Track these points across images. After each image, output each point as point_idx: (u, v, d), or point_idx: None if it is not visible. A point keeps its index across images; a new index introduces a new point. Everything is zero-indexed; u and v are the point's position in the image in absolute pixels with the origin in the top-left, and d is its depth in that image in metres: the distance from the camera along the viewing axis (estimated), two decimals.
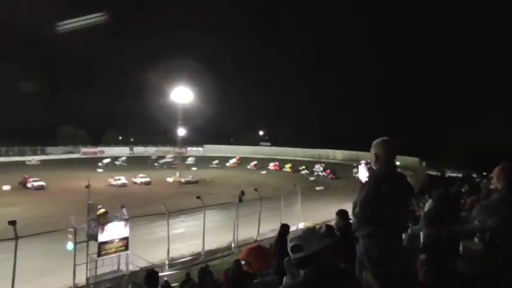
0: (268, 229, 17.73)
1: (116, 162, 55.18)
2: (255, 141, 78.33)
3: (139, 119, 78.11)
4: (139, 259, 14.37)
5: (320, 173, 49.55)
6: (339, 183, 40.73)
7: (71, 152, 62.75)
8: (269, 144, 77.17)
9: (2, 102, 63.29)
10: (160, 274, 7.08)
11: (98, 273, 13.04)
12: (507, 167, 3.12)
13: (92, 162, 53.85)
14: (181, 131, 54.44)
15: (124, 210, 14.46)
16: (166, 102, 53.01)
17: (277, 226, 6.68)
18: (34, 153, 59.21)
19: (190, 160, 57.21)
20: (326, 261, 2.23)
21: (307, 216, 21.61)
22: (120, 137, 77.30)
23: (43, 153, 60.42)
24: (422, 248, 2.39)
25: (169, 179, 43.15)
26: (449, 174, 41.81)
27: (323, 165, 53.07)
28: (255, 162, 57.16)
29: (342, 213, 5.26)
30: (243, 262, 7.08)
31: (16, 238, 11.04)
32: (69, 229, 12.88)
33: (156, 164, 56.20)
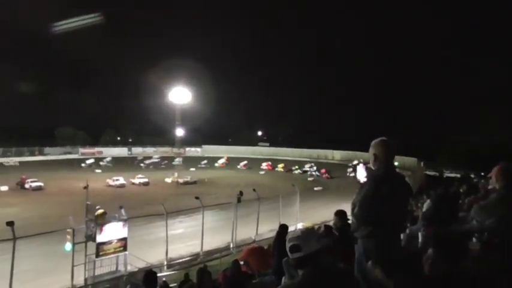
0: (267, 229, 17.74)
1: (101, 163, 54.28)
2: (253, 142, 78.36)
3: (138, 120, 78.14)
4: (137, 260, 14.35)
5: (313, 173, 49.87)
6: (337, 183, 40.71)
7: (69, 153, 62.56)
8: (267, 144, 77.21)
9: (0, 103, 63.12)
10: (158, 274, 7.06)
11: (96, 273, 13.02)
12: (505, 167, 3.13)
13: (72, 163, 53.04)
14: (179, 132, 54.38)
15: (122, 210, 14.44)
16: (165, 102, 53.00)
17: (275, 226, 6.68)
18: (32, 154, 59.02)
19: (177, 161, 56.94)
20: (325, 261, 2.23)
21: (306, 216, 21.62)
22: (119, 138, 77.15)
23: (41, 153, 60.24)
24: (431, 245, 2.40)
25: (168, 180, 43.08)
26: (447, 174, 41.92)
27: (313, 164, 53.52)
28: (244, 162, 57.06)
29: (341, 214, 5.27)
30: (241, 262, 7.09)
31: (14, 239, 11.02)
32: (68, 230, 12.86)
33: (142, 164, 55.35)
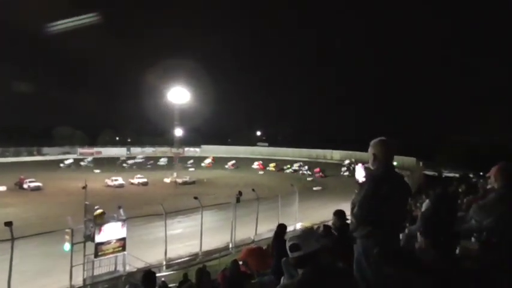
0: (266, 229, 17.72)
1: (82, 163, 53.54)
2: (252, 142, 78.40)
3: (137, 120, 78.06)
4: (136, 260, 14.33)
5: (305, 172, 50.51)
6: (336, 183, 40.76)
7: (68, 153, 62.46)
8: (266, 144, 77.25)
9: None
10: (157, 275, 7.05)
11: (95, 274, 12.99)
12: (504, 167, 3.13)
13: (52, 163, 52.21)
14: (178, 132, 54.34)
15: (121, 210, 14.42)
16: (164, 102, 52.95)
17: (274, 226, 6.66)
18: (30, 154, 58.90)
19: (162, 161, 56.74)
20: (324, 261, 2.23)
21: (305, 216, 21.65)
22: (117, 138, 77.06)
23: (39, 153, 60.12)
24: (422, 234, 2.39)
25: (167, 180, 43.06)
26: (446, 174, 41.98)
27: (302, 163, 54.21)
28: (232, 161, 57.18)
29: (339, 213, 5.27)
30: (240, 262, 7.08)
31: (12, 239, 10.99)
32: (66, 230, 12.83)
33: (125, 164, 54.77)
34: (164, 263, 15.16)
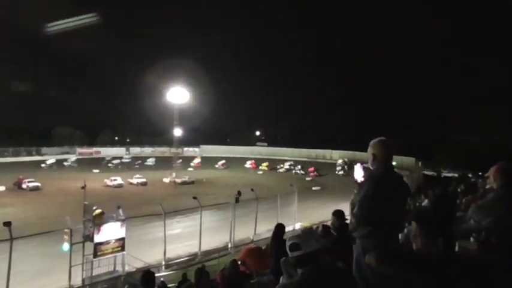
0: (265, 229, 17.72)
1: (65, 163, 52.84)
2: (252, 142, 78.38)
3: (136, 120, 78.00)
4: (135, 260, 14.32)
5: (298, 171, 51.31)
6: (335, 183, 40.79)
7: (67, 153, 62.36)
8: (266, 144, 77.23)
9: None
10: (156, 275, 7.05)
11: (94, 274, 12.98)
12: (503, 167, 3.13)
13: (31, 164, 50.86)
14: (177, 132, 54.31)
15: (120, 210, 14.40)
16: (163, 102, 52.92)
17: (273, 226, 6.65)
18: (29, 154, 58.77)
19: (150, 161, 56.55)
20: (324, 260, 2.23)
21: (304, 216, 21.66)
22: (116, 138, 76.97)
23: (38, 153, 60.02)
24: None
25: (166, 180, 43.05)
26: (445, 174, 42.05)
27: (292, 162, 55.00)
28: (222, 161, 57.28)
29: (338, 213, 5.26)
30: (239, 262, 7.07)
31: (11, 239, 10.98)
32: (65, 230, 12.82)
33: (110, 164, 54.41)
34: (163, 263, 15.15)
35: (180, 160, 56.57)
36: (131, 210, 18.12)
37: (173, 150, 56.82)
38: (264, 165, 56.06)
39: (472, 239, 3.33)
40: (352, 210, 2.84)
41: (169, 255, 15.60)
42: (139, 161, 55.94)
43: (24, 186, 35.82)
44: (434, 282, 2.04)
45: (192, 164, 55.84)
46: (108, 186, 37.59)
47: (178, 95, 50.96)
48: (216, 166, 55.76)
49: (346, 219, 4.92)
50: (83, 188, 15.45)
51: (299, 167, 52.65)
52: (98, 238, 13.15)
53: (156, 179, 42.27)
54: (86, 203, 14.05)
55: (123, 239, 13.91)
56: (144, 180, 40.73)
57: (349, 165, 52.02)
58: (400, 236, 3.33)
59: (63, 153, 62.07)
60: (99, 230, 13.21)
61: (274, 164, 56.36)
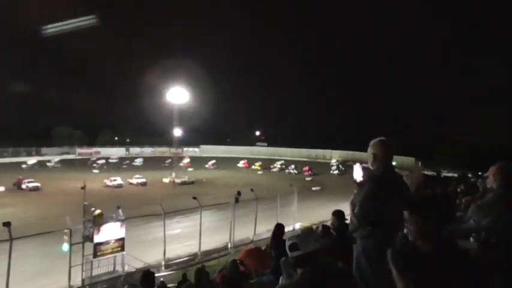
0: (265, 229, 17.72)
1: (48, 164, 52.03)
2: (251, 142, 78.34)
3: (136, 120, 77.94)
4: (135, 260, 14.31)
5: (291, 171, 51.74)
6: (334, 183, 40.77)
7: (67, 153, 62.33)
8: (265, 144, 77.20)
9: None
10: (156, 275, 7.05)
11: (93, 274, 12.97)
12: (503, 167, 3.13)
13: (13, 165, 49.88)
14: (177, 132, 54.30)
15: (120, 211, 14.40)
16: (163, 102, 52.92)
17: (273, 226, 6.66)
18: (29, 154, 58.72)
19: (138, 161, 56.35)
20: (323, 260, 2.23)
21: (304, 216, 21.65)
22: (116, 138, 76.91)
23: (38, 154, 59.97)
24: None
25: (165, 180, 43.05)
26: (444, 174, 42.02)
27: (282, 162, 55.50)
28: (213, 161, 57.20)
29: (338, 214, 5.27)
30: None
31: (11, 240, 10.97)
32: (65, 230, 12.81)
33: (94, 165, 53.98)
34: (163, 263, 15.15)
35: (169, 160, 56.69)
36: (131, 210, 18.12)
37: (173, 150, 56.80)
38: (256, 165, 56.32)
39: (471, 239, 3.33)
40: (353, 210, 2.84)
41: (169, 255, 15.59)
42: (127, 161, 55.72)
43: (23, 186, 35.82)
44: (433, 281, 2.04)
45: (181, 165, 55.72)
46: (107, 186, 37.59)
47: (178, 95, 50.98)
48: (206, 166, 55.58)
49: (346, 219, 4.92)
50: (83, 188, 15.44)
51: (292, 166, 52.94)
52: (97, 238, 13.15)
53: (155, 179, 42.27)
54: (85, 203, 14.04)
55: (122, 239, 13.90)
56: (143, 180, 40.74)
57: (345, 165, 52.42)
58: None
59: (63, 153, 62.06)
60: (98, 230, 13.21)
61: (267, 163, 56.46)
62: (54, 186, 36.56)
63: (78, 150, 64.48)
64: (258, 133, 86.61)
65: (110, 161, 56.99)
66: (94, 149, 65.94)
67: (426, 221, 2.18)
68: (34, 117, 69.36)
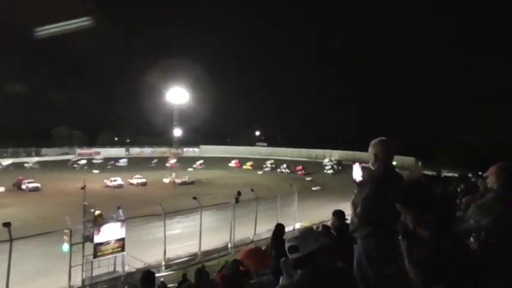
0: (265, 229, 17.72)
1: (26, 165, 51.03)
2: (252, 142, 78.29)
3: (136, 120, 77.82)
4: (135, 260, 14.31)
5: (283, 170, 52.40)
6: (334, 183, 40.77)
7: (67, 153, 62.26)
8: (265, 144, 77.17)
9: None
10: (156, 275, 7.05)
11: (93, 274, 12.98)
12: (503, 167, 3.13)
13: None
14: (177, 132, 54.28)
15: (120, 211, 14.40)
16: (163, 102, 52.94)
17: (273, 226, 6.66)
18: (29, 155, 58.66)
19: (122, 162, 56.05)
20: (323, 261, 2.23)
21: (304, 216, 21.65)
22: (116, 138, 76.83)
23: (38, 154, 59.93)
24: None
25: (166, 180, 43.07)
26: (445, 174, 42.00)
27: (272, 161, 56.02)
28: (200, 161, 57.29)
29: (338, 213, 5.27)
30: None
31: (11, 240, 10.98)
32: (65, 230, 12.81)
33: (75, 165, 53.60)
34: (163, 263, 15.15)
35: (155, 160, 56.61)
36: (131, 210, 18.12)
37: (173, 150, 56.80)
38: (248, 165, 56.66)
39: (472, 239, 3.33)
40: (354, 210, 2.84)
41: (169, 255, 15.60)
42: (112, 162, 55.52)
43: (23, 187, 35.84)
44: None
45: (167, 165, 55.65)
46: (108, 186, 37.60)
47: (178, 95, 51.01)
48: (194, 166, 55.43)
49: (347, 219, 4.92)
50: (83, 188, 15.44)
51: (284, 165, 53.42)
52: (97, 238, 13.15)
53: (156, 179, 42.29)
54: (85, 203, 14.05)
55: (123, 239, 13.91)
56: (144, 180, 40.79)
57: (341, 164, 53.12)
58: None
59: (63, 153, 62.00)
60: (99, 231, 13.21)
61: (259, 163, 56.60)
62: (54, 186, 36.55)
63: (78, 150, 64.40)
64: (258, 133, 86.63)
65: (94, 161, 56.65)
66: (94, 149, 65.91)
67: (420, 213, 2.25)
68: (34, 118, 69.31)
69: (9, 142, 58.33)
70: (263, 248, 9.26)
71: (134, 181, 40.39)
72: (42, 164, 51.75)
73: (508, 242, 2.78)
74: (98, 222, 13.30)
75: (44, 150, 61.57)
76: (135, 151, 68.68)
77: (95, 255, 13.02)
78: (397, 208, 2.81)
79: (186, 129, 59.40)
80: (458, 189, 8.15)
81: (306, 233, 2.29)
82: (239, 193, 18.81)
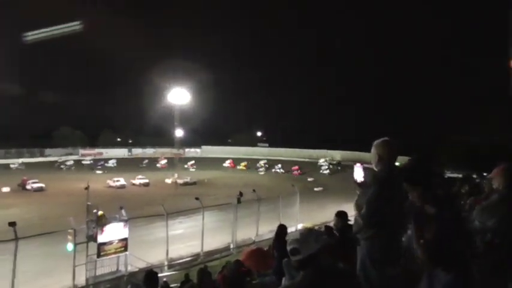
0: (267, 230, 17.73)
1: (12, 166, 50.67)
2: (253, 142, 78.24)
3: (138, 120, 77.91)
4: (138, 260, 14.35)
5: (278, 170, 52.92)
6: (336, 184, 40.69)
7: (70, 154, 62.47)
8: (267, 145, 77.12)
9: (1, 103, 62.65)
10: (159, 275, 7.06)
11: (97, 273, 13.04)
12: (507, 168, 3.13)
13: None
14: (179, 132, 54.37)
15: (123, 211, 14.46)
16: (164, 103, 53.07)
17: (275, 227, 6.67)
18: (32, 155, 58.87)
19: (111, 162, 55.49)
20: (324, 262, 2.24)
21: (306, 217, 21.60)
22: (119, 139, 76.98)
23: (42, 155, 60.17)
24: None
25: (168, 180, 43.17)
26: (448, 174, 41.79)
27: (265, 161, 56.40)
28: (192, 162, 56.56)
29: (341, 214, 5.27)
30: None
31: (16, 239, 11.04)
32: (69, 230, 12.88)
33: (62, 166, 53.23)
34: (166, 263, 15.19)
35: (146, 161, 56.65)
36: (134, 210, 18.16)
37: (174, 151, 56.88)
38: (242, 165, 56.85)
39: (477, 240, 3.32)
40: (359, 211, 2.84)
41: (171, 255, 15.64)
42: (102, 162, 55.63)
43: (28, 187, 36.06)
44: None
45: (158, 165, 55.23)
46: (110, 187, 37.74)
47: (179, 95, 51.17)
48: (185, 166, 54.93)
49: (349, 220, 4.92)
50: (86, 188, 15.53)
51: (279, 165, 53.73)
52: (101, 238, 13.21)
53: (158, 179, 42.40)
54: (88, 203, 14.11)
55: (126, 239, 13.96)
56: (146, 181, 40.93)
57: (340, 165, 53.39)
58: (404, 236, 3.33)
59: (66, 154, 62.18)
60: (102, 231, 13.27)
61: (253, 163, 56.73)
62: (58, 186, 36.71)
63: (81, 151, 64.61)
64: (259, 134, 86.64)
65: (84, 162, 56.49)
66: (97, 150, 66.13)
67: (427, 191, 2.38)
68: (37, 118, 69.35)
69: (13, 143, 58.60)
70: (265, 249, 9.25)
71: (137, 181, 40.51)
72: (28, 165, 51.15)
73: (510, 242, 2.77)
74: (101, 222, 13.36)
75: (47, 151, 61.79)
76: (137, 151, 68.82)
77: (99, 255, 13.08)
78: (399, 209, 2.81)
79: (188, 129, 59.53)
80: (463, 191, 8.11)
81: (306, 234, 2.31)
82: (241, 194, 18.81)
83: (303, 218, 21.37)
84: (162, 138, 68.09)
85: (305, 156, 63.02)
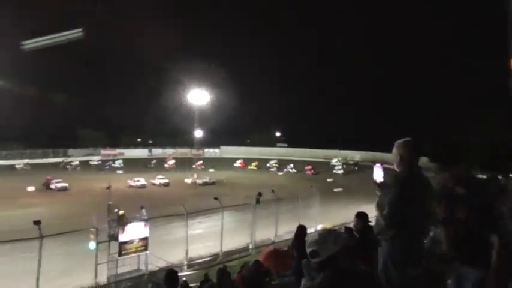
0: (286, 231, 17.66)
1: (17, 166, 51.56)
2: (272, 143, 78.13)
3: (158, 121, 79.06)
4: (158, 259, 14.56)
5: (290, 170, 53.03)
6: (356, 184, 40.14)
7: (91, 154, 64.09)
8: (286, 145, 76.85)
9: (23, 105, 64.72)
10: (179, 274, 7.15)
11: (118, 272, 13.30)
12: None
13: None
14: (198, 133, 54.82)
15: (143, 211, 14.70)
16: (184, 104, 53.65)
17: (294, 228, 6.66)
18: (56, 156, 60.73)
19: (117, 163, 55.91)
20: (343, 263, 2.24)
21: (325, 218, 21.39)
22: (139, 139, 78.38)
23: (65, 155, 61.97)
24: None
25: (188, 180, 43.72)
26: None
27: (275, 161, 56.38)
28: (200, 162, 56.13)
29: (361, 215, 5.20)
30: None
31: (41, 237, 11.39)
32: (91, 229, 13.20)
33: (68, 166, 53.75)
34: (185, 262, 15.35)
35: (155, 161, 57.08)
36: (154, 210, 18.42)
37: (194, 151, 57.41)
38: (253, 165, 56.70)
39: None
40: (380, 212, 2.81)
41: (191, 255, 15.80)
42: (109, 163, 56.22)
43: (52, 186, 37.18)
44: None
45: (166, 166, 55.50)
46: (131, 186, 38.49)
47: (198, 96, 51.64)
48: (193, 166, 54.28)
49: (370, 221, 4.85)
50: (108, 188, 15.87)
51: (291, 165, 53.71)
52: (122, 237, 13.48)
53: (178, 179, 42.97)
54: (110, 203, 14.43)
55: (146, 238, 14.20)
56: (166, 181, 41.53)
57: (357, 165, 53.19)
58: (426, 239, 3.26)
59: (88, 154, 63.87)
60: (123, 230, 13.53)
61: (263, 163, 56.74)
62: (81, 186, 37.71)
63: (102, 151, 66.11)
64: (278, 134, 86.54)
65: (91, 163, 57.15)
66: (118, 151, 67.52)
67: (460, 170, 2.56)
68: (61, 119, 71.32)
69: (39, 143, 60.62)
70: (284, 249, 9.23)
71: (157, 181, 41.15)
72: (33, 166, 52.09)
73: None
74: (122, 221, 13.63)
75: (70, 151, 63.59)
76: (158, 152, 69.90)
77: (120, 254, 13.34)
78: (420, 209, 2.76)
79: (207, 130, 59.97)
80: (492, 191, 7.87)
81: (325, 235, 2.31)
82: (260, 194, 18.82)
83: (322, 218, 21.19)
84: (181, 138, 68.91)
85: (326, 157, 62.41)
